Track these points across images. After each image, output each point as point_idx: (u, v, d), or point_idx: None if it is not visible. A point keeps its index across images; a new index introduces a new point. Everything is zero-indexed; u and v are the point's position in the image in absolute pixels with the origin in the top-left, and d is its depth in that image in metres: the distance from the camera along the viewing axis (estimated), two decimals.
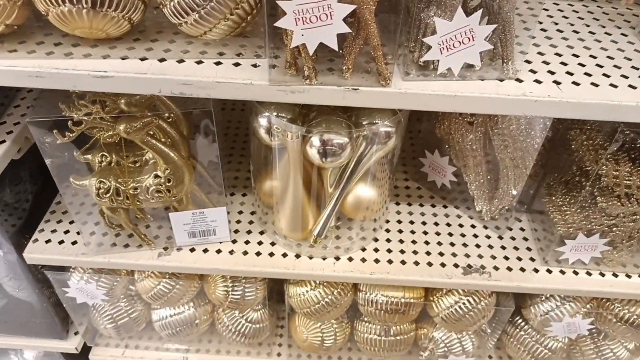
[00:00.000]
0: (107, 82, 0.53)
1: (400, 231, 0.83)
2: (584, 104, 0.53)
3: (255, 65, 0.55)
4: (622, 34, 0.64)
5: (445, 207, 0.88)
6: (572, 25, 0.66)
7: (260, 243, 0.80)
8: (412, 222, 0.85)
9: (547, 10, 0.68)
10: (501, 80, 0.55)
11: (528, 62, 0.58)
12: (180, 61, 0.55)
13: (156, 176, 0.69)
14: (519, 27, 0.62)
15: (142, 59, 0.55)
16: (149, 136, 0.66)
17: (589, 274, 0.79)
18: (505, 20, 0.52)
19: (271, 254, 0.79)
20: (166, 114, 0.70)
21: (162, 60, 0.55)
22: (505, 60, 0.55)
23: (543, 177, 0.81)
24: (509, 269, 0.79)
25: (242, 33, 0.58)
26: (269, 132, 0.68)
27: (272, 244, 0.80)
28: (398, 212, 0.86)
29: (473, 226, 0.85)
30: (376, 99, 0.54)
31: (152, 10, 0.59)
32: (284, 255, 0.79)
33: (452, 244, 0.82)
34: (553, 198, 0.78)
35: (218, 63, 0.55)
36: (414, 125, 0.98)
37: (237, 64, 0.55)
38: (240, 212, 0.85)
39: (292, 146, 0.67)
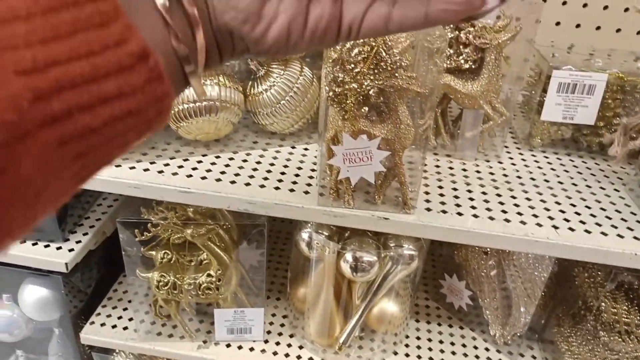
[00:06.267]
0: (189, 196, 0.67)
1: (418, 347, 0.90)
2: (577, 248, 0.63)
3: (306, 192, 0.69)
4: (614, 189, 0.76)
5: (461, 328, 0.95)
6: (572, 178, 0.78)
7: (289, 345, 0.88)
8: (429, 340, 0.91)
9: (550, 164, 0.81)
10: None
11: (532, 207, 0.70)
12: (247, 184, 0.69)
13: (209, 275, 0.80)
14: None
15: (217, 180, 0.69)
16: (209, 240, 0.79)
17: None
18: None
19: (298, 357, 0.86)
20: (223, 223, 0.83)
21: (232, 182, 0.69)
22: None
23: (552, 308, 0.89)
24: None
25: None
26: (309, 245, 0.80)
27: (300, 347, 0.88)
28: (417, 329, 0.93)
29: (487, 349, 0.91)
30: (402, 228, 0.66)
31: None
32: (310, 359, 0.86)
33: None
34: (562, 329, 0.85)
35: (277, 188, 0.69)
36: (437, 250, 1.08)
37: (292, 190, 0.69)
38: (274, 315, 0.94)
39: (328, 260, 0.78)
